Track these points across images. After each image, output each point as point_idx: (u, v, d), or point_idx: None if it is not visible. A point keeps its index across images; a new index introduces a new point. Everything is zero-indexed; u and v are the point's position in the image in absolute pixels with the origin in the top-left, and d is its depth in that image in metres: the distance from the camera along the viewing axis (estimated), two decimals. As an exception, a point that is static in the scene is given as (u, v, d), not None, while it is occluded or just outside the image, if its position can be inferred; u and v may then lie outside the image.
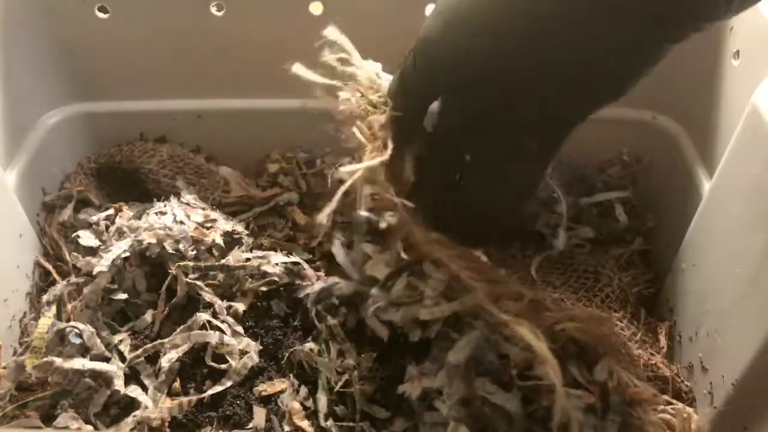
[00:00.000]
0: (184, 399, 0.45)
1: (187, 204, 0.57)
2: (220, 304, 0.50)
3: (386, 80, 0.43)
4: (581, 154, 0.64)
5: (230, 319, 0.49)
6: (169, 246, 0.51)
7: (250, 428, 0.45)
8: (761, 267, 0.42)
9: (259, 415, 0.45)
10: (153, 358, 0.48)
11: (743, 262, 0.44)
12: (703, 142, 0.56)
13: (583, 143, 0.62)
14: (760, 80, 0.45)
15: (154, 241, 0.51)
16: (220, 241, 0.53)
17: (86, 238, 0.55)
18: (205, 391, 0.46)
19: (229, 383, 0.46)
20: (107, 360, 0.48)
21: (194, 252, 0.52)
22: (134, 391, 0.46)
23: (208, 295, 0.50)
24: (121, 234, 0.54)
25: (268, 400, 0.47)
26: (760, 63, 0.47)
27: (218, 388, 0.46)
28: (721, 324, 0.47)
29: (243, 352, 0.48)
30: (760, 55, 0.47)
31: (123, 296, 0.51)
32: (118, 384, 0.46)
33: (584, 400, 0.38)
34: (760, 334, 0.41)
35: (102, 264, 0.51)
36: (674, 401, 0.43)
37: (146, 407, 0.45)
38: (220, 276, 0.51)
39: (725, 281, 0.46)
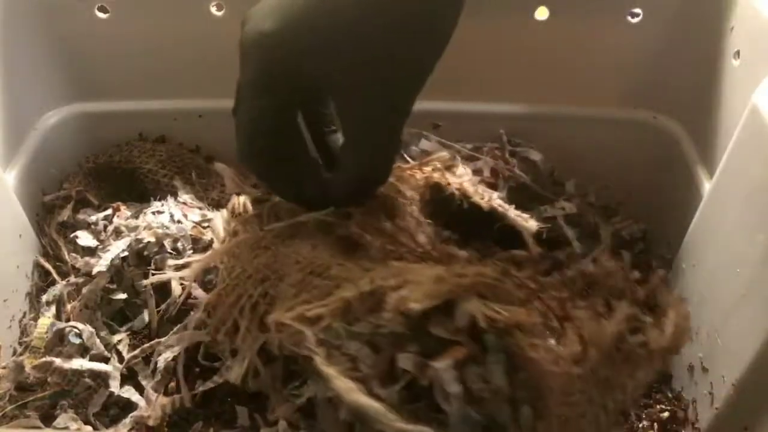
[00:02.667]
0: (176, 396, 0.45)
1: (184, 203, 0.57)
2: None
3: None
4: (581, 153, 0.64)
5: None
6: (167, 245, 0.51)
7: (237, 427, 0.45)
8: (761, 267, 0.42)
9: (242, 414, 0.45)
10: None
11: (743, 262, 0.44)
12: (703, 142, 0.56)
13: (583, 143, 0.63)
14: (760, 80, 0.45)
15: (153, 239, 0.51)
16: (218, 240, 0.53)
17: (84, 238, 0.55)
18: (197, 390, 0.46)
19: (220, 381, 0.46)
20: (107, 360, 0.48)
21: (191, 251, 0.52)
22: (128, 391, 0.46)
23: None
24: (119, 234, 0.54)
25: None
26: (760, 63, 0.47)
27: (209, 385, 0.46)
28: (721, 324, 0.47)
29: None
30: (760, 55, 0.47)
31: (122, 296, 0.51)
32: (114, 384, 0.46)
33: (453, 355, 0.33)
34: (760, 334, 0.41)
35: (101, 264, 0.51)
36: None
37: (140, 407, 0.45)
38: (218, 274, 0.51)
39: (725, 281, 0.46)
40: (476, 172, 0.56)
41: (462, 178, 0.49)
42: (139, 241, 0.52)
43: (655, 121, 0.62)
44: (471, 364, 0.33)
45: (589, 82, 0.60)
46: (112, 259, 0.51)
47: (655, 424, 0.52)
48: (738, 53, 0.50)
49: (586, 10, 0.56)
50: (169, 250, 0.51)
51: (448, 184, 0.48)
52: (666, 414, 0.52)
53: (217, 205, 0.60)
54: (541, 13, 0.57)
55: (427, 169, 0.49)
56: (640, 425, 0.52)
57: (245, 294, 0.40)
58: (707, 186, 0.53)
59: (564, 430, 0.32)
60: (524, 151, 0.61)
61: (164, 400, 0.45)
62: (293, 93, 0.38)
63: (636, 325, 0.36)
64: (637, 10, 0.56)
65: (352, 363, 0.34)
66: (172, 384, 0.47)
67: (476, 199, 0.48)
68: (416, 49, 0.38)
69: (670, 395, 0.53)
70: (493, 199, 0.49)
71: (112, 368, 0.47)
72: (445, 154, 0.51)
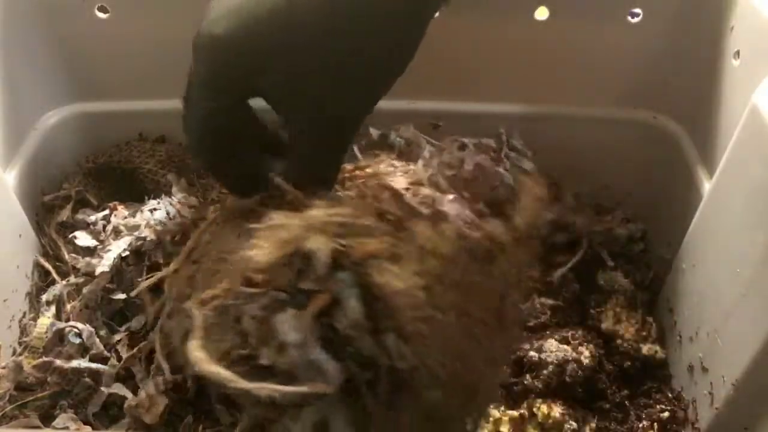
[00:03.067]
0: (170, 393, 0.45)
1: (179, 202, 0.57)
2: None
3: None
4: (581, 153, 0.64)
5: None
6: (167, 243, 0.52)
7: (222, 425, 0.45)
8: (761, 267, 0.42)
9: (222, 412, 0.45)
10: (151, 358, 0.48)
11: (743, 262, 0.44)
12: (703, 142, 0.56)
13: (583, 143, 0.63)
14: (760, 80, 0.45)
15: (153, 237, 0.51)
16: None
17: (83, 238, 0.55)
18: (189, 388, 0.46)
19: None
20: (106, 360, 0.48)
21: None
22: (120, 389, 0.46)
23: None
24: (117, 233, 0.54)
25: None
26: (760, 63, 0.47)
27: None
28: (721, 324, 0.47)
29: None
30: (760, 55, 0.47)
31: (122, 296, 0.51)
32: (108, 383, 0.46)
33: (316, 304, 0.32)
34: (760, 334, 0.41)
35: (103, 264, 0.51)
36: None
37: (137, 405, 0.45)
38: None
39: (725, 281, 0.46)
40: (451, 165, 0.54)
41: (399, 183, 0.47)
42: (139, 239, 0.52)
43: (655, 121, 0.62)
44: (336, 306, 0.32)
45: (589, 82, 0.60)
46: (114, 259, 0.51)
47: (655, 424, 0.52)
48: (738, 53, 0.50)
49: (586, 10, 0.56)
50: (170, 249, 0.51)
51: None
52: (666, 414, 0.52)
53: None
54: (541, 13, 0.57)
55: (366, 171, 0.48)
56: (640, 425, 0.52)
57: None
58: (707, 186, 0.53)
59: (433, 346, 0.31)
60: (518, 159, 0.61)
61: (159, 397, 0.45)
62: (243, 96, 0.38)
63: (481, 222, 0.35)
64: (637, 10, 0.56)
65: (242, 339, 0.33)
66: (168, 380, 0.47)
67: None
68: (372, 58, 0.37)
69: (670, 395, 0.53)
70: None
71: (106, 367, 0.47)
72: (382, 158, 0.49)
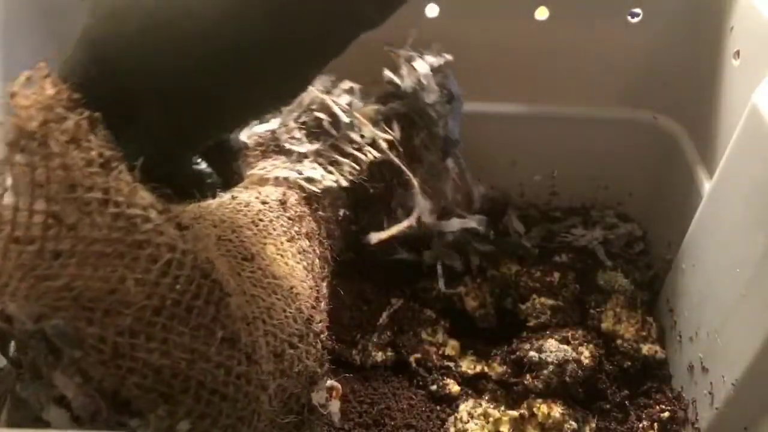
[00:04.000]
0: None
1: None
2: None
3: None
4: (581, 153, 0.64)
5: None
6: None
7: None
8: (761, 267, 0.42)
9: None
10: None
11: (743, 262, 0.44)
12: (703, 142, 0.56)
13: (583, 143, 0.63)
14: (760, 80, 0.45)
15: None
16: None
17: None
18: None
19: None
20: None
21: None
22: None
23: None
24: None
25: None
26: (760, 63, 0.47)
27: None
28: (721, 324, 0.47)
29: None
30: (760, 55, 0.47)
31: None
32: None
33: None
34: (760, 334, 0.41)
35: None
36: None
37: None
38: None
39: (725, 281, 0.46)
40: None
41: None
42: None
43: (655, 121, 0.62)
44: None
45: (589, 82, 0.60)
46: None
47: (655, 424, 0.52)
48: (738, 53, 0.50)
49: (586, 10, 0.56)
50: None
51: None
52: (666, 414, 0.52)
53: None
54: (541, 13, 0.57)
55: None
56: (640, 425, 0.52)
57: None
58: (707, 186, 0.53)
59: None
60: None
61: None
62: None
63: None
64: (637, 10, 0.56)
65: None
66: None
67: None
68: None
69: (670, 395, 0.53)
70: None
71: None
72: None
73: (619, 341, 0.55)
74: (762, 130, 0.43)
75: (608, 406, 0.53)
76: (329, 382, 0.38)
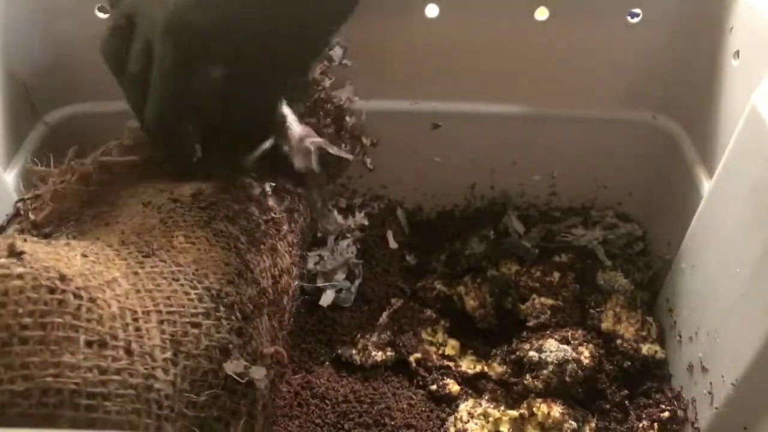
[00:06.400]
0: None
1: None
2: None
3: None
4: (581, 153, 0.64)
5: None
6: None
7: None
8: (761, 267, 0.42)
9: None
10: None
11: (743, 262, 0.44)
12: (703, 142, 0.56)
13: (583, 143, 0.63)
14: (760, 80, 0.45)
15: None
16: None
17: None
18: None
19: None
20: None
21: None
22: None
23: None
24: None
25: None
26: (760, 63, 0.47)
27: None
28: (721, 324, 0.47)
29: None
30: (760, 55, 0.47)
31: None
32: None
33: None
34: (760, 334, 0.41)
35: None
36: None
37: None
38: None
39: (725, 281, 0.47)
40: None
41: None
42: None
43: (654, 121, 0.62)
44: None
45: (589, 82, 0.60)
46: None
47: (655, 423, 0.52)
48: (737, 53, 0.50)
49: (586, 10, 0.56)
50: None
51: None
52: (666, 414, 0.52)
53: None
54: (541, 13, 0.57)
55: None
56: (640, 425, 0.52)
57: None
58: (707, 186, 0.53)
59: None
60: None
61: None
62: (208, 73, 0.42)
63: None
64: (637, 11, 0.56)
65: None
66: None
67: None
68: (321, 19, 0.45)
69: (669, 395, 0.53)
70: None
71: None
72: None
73: (618, 341, 0.55)
74: (761, 130, 0.43)
75: (608, 406, 0.53)
76: (269, 349, 0.39)
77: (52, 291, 0.31)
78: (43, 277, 0.32)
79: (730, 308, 0.46)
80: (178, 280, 0.37)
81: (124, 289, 0.35)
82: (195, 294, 0.37)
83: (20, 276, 0.31)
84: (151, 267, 0.37)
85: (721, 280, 0.47)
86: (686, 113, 0.59)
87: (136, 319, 0.34)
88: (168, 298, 0.36)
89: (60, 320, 0.31)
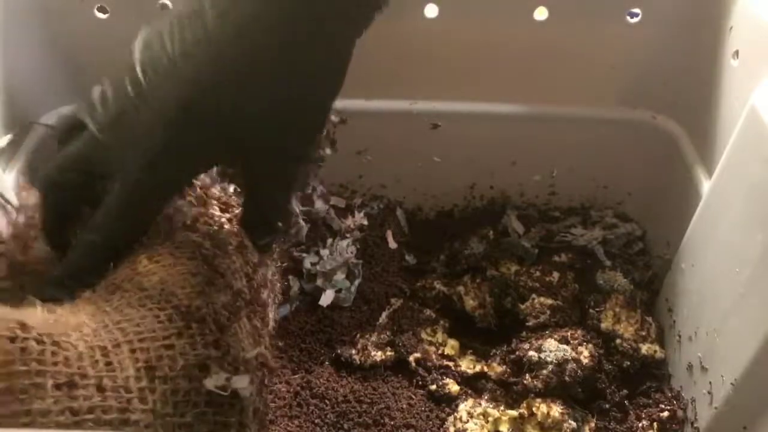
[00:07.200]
0: None
1: None
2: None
3: None
4: (581, 153, 0.64)
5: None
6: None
7: None
8: (760, 267, 0.42)
9: None
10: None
11: (742, 262, 0.44)
12: (703, 142, 0.56)
13: (582, 143, 0.63)
14: (759, 80, 0.45)
15: None
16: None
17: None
18: None
19: None
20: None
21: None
22: None
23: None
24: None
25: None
26: (759, 63, 0.47)
27: None
28: (720, 324, 0.47)
29: None
30: (760, 55, 0.48)
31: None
32: None
33: None
34: (759, 334, 0.41)
35: None
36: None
37: None
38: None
39: (725, 281, 0.47)
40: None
41: None
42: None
43: (654, 121, 0.62)
44: None
45: (588, 82, 0.60)
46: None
47: (655, 423, 0.52)
48: (737, 53, 0.50)
49: (586, 10, 0.56)
50: None
51: None
52: (665, 413, 0.52)
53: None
54: (541, 13, 0.57)
55: None
56: (640, 425, 0.52)
57: None
58: (706, 186, 0.53)
59: None
60: None
61: None
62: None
63: None
64: (637, 10, 0.56)
65: None
66: None
67: None
68: (322, 94, 0.40)
69: (669, 395, 0.53)
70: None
71: None
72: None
73: (618, 341, 0.55)
74: (761, 130, 0.43)
75: (607, 406, 0.53)
76: (251, 353, 0.38)
77: (12, 340, 0.31)
78: (2, 328, 0.31)
79: (729, 308, 0.46)
80: (145, 305, 0.36)
81: (92, 328, 0.34)
82: (164, 315, 0.36)
83: None
84: (118, 300, 0.37)
85: (720, 280, 0.47)
86: (686, 113, 0.59)
87: (105, 354, 0.33)
88: (137, 325, 0.35)
89: (24, 368, 0.31)
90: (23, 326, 0.32)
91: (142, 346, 0.34)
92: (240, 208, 0.46)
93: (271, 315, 0.46)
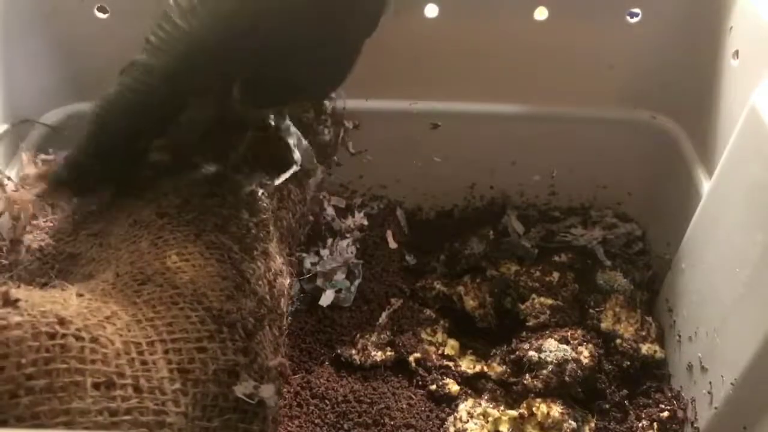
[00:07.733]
0: None
1: None
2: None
3: None
4: (581, 153, 0.64)
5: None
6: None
7: None
8: (760, 267, 0.42)
9: None
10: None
11: (742, 262, 0.44)
12: (703, 142, 0.56)
13: (582, 143, 0.63)
14: (759, 80, 0.45)
15: None
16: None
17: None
18: None
19: None
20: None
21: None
22: None
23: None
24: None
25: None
26: (759, 63, 0.47)
27: None
28: (720, 324, 0.47)
29: None
30: (760, 55, 0.48)
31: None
32: None
33: None
34: (759, 334, 0.41)
35: None
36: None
37: None
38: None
39: (725, 281, 0.47)
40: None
41: None
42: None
43: (654, 121, 0.62)
44: None
45: (588, 82, 0.60)
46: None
47: (655, 423, 0.52)
48: (737, 53, 0.50)
49: (586, 10, 0.56)
50: None
51: None
52: (665, 413, 0.52)
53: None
54: (541, 13, 0.57)
55: None
56: (640, 425, 0.52)
57: None
58: (706, 186, 0.53)
59: None
60: None
61: None
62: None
63: None
64: (637, 10, 0.56)
65: None
66: None
67: None
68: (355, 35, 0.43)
69: (669, 395, 0.53)
70: None
71: None
72: None
73: (618, 341, 0.55)
74: (761, 130, 0.43)
75: (607, 406, 0.53)
76: (273, 362, 0.38)
77: (52, 336, 0.31)
78: (41, 324, 0.31)
79: (729, 308, 0.46)
80: (177, 304, 0.36)
81: (125, 321, 0.34)
82: (196, 316, 0.36)
83: (18, 325, 0.30)
84: (149, 294, 0.36)
85: (720, 279, 0.47)
86: (686, 113, 0.59)
87: (141, 353, 0.33)
88: (170, 324, 0.35)
89: (65, 366, 0.30)
90: (62, 321, 0.31)
91: (175, 346, 0.34)
92: (267, 214, 0.46)
93: (285, 325, 0.45)
